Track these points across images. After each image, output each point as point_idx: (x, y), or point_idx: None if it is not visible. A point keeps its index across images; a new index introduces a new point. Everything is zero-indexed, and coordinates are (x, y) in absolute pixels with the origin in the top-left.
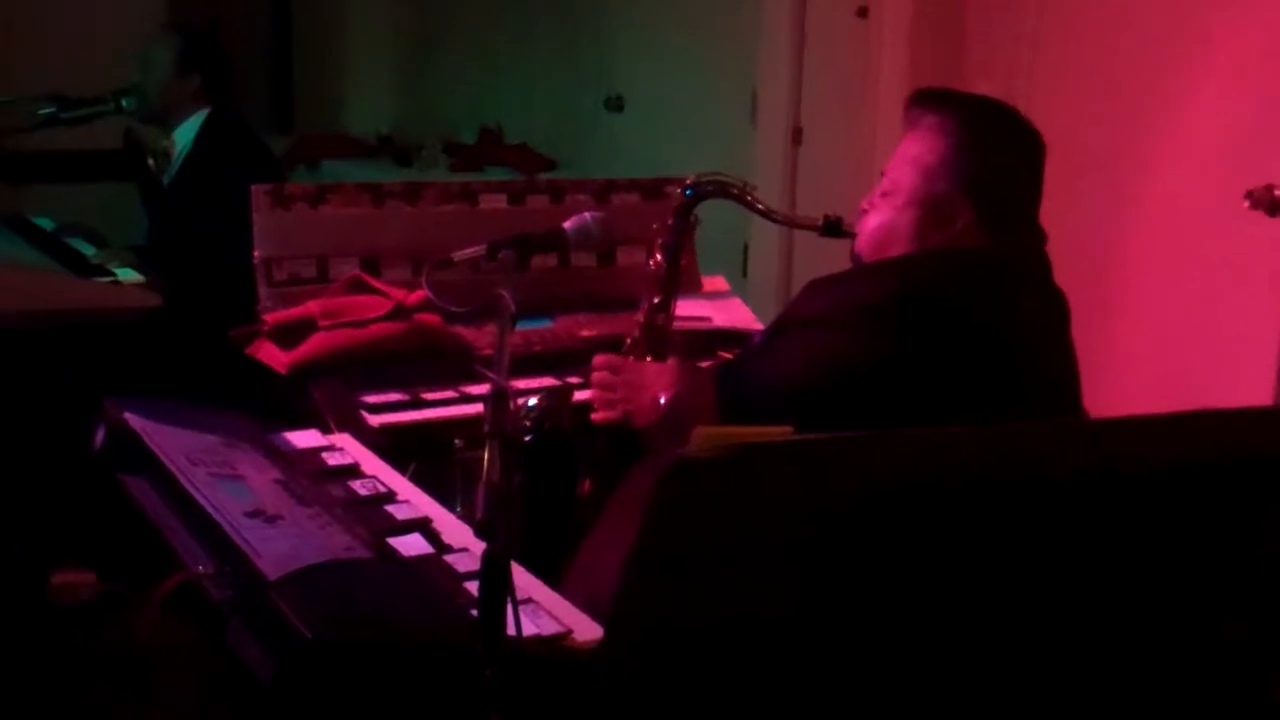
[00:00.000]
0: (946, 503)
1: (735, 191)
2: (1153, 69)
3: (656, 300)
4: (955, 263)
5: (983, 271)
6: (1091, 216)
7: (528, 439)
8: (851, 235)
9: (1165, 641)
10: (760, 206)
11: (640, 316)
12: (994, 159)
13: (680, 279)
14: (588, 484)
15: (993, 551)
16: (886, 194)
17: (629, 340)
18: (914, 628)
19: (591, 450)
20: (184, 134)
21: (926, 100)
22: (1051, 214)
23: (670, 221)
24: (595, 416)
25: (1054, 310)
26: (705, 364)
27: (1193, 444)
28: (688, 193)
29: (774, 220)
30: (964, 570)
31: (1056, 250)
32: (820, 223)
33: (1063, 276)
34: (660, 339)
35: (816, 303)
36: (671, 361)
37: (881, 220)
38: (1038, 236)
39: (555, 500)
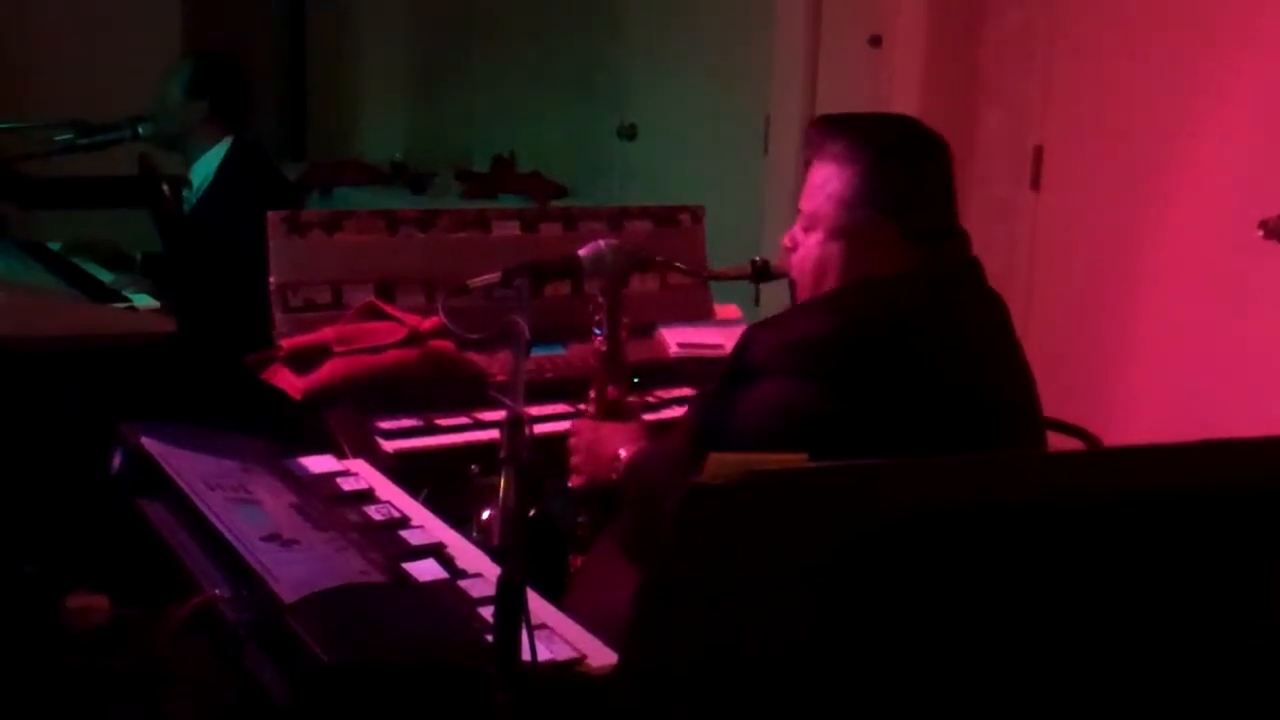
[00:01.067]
0: (959, 529)
1: (660, 260)
2: (1166, 99)
3: (606, 377)
4: (889, 289)
5: (917, 292)
6: (1105, 246)
7: None
8: (781, 276)
9: (1182, 674)
10: (684, 269)
11: (592, 393)
12: (906, 175)
13: (624, 353)
14: (578, 561)
15: (1007, 577)
16: (808, 229)
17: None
18: (928, 652)
19: (576, 528)
20: (206, 164)
21: (828, 127)
22: (1064, 243)
23: (601, 300)
24: (570, 483)
25: (994, 315)
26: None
27: (1207, 473)
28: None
29: (701, 278)
30: (977, 596)
31: (1069, 278)
32: (749, 270)
33: (1076, 305)
34: (619, 414)
35: (761, 349)
36: (633, 422)
37: (809, 256)
38: (962, 240)
39: (547, 581)
